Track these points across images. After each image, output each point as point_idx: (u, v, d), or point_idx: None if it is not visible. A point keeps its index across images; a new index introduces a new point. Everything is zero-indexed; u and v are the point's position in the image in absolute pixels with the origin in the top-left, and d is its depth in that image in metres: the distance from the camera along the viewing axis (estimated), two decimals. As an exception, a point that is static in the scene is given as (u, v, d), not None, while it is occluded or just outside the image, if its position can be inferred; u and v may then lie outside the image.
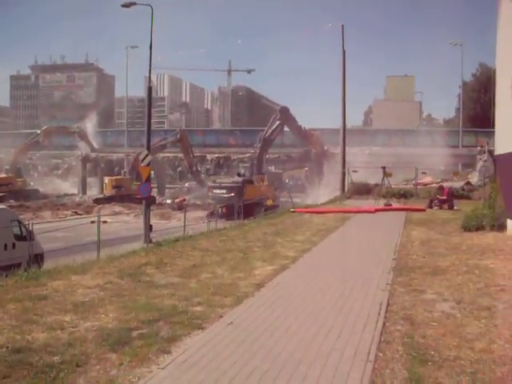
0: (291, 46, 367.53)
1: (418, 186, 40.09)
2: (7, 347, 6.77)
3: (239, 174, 54.65)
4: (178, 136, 69.30)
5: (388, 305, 9.06)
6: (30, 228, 20.36)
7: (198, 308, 8.82)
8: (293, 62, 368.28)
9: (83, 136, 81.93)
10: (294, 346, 6.99)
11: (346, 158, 44.20)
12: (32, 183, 76.27)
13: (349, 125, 54.11)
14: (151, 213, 29.35)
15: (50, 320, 8.03)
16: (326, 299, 9.53)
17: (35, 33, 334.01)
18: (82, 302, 9.17)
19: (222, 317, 8.37)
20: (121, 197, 59.77)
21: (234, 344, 7.06)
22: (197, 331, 7.63)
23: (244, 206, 35.03)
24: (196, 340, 7.25)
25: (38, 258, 20.32)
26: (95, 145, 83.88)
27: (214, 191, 49.26)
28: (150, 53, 28.33)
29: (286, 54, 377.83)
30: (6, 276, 11.98)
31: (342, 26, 45.18)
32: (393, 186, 34.25)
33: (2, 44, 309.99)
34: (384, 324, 7.95)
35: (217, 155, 79.66)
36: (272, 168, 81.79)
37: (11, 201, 58.76)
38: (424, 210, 27.26)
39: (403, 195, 35.53)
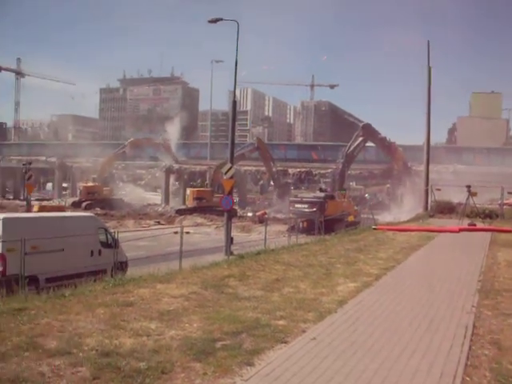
0: (375, 60, 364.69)
1: (504, 206, 38.93)
2: (97, 350, 6.99)
3: (321, 189, 54.45)
4: (256, 144, 69.78)
5: (474, 327, 8.82)
6: (116, 236, 20.89)
7: (281, 322, 8.85)
8: (376, 77, 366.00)
9: (167, 148, 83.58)
10: (377, 364, 6.92)
11: (430, 176, 43.47)
12: (119, 192, 78.20)
13: (432, 142, 53.08)
14: (232, 225, 29.66)
15: (136, 326, 8.22)
16: (410, 319, 9.39)
17: (124, 48, 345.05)
18: (167, 310, 9.34)
19: (304, 332, 8.36)
20: (202, 208, 60.44)
21: (317, 359, 7.04)
22: (280, 345, 7.66)
23: (325, 222, 34.90)
24: (279, 354, 7.27)
25: (123, 266, 20.80)
26: (178, 157, 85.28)
27: (296, 206, 49.22)
28: (236, 67, 28.79)
29: (369, 68, 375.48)
30: (95, 281, 12.35)
31: (428, 42, 44.46)
32: (477, 206, 33.36)
33: (94, 58, 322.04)
34: (470, 347, 7.75)
35: (298, 169, 79.67)
36: (353, 184, 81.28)
37: (97, 209, 60.55)
38: (510, 232, 26.41)
39: (488, 215, 34.54)
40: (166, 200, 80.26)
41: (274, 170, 71.26)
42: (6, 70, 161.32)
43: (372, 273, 14.13)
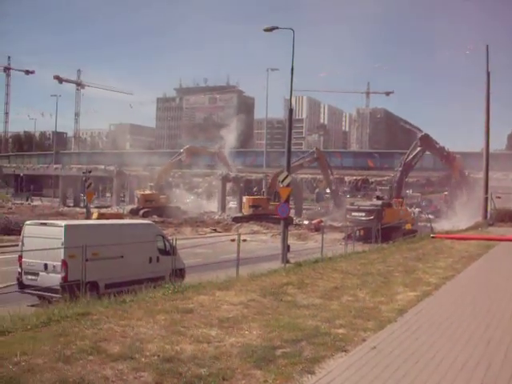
0: (431, 66, 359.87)
1: None
2: (158, 356, 7.06)
3: (378, 197, 53.92)
4: (315, 155, 69.53)
5: (540, 339, 8.61)
6: (174, 243, 21.09)
7: (341, 330, 8.79)
8: (433, 84, 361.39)
9: (222, 157, 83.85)
10: (440, 375, 6.79)
11: (489, 183, 42.57)
12: (180, 200, 78.96)
13: (491, 148, 51.92)
14: (288, 233, 29.65)
15: (196, 333, 8.29)
16: (472, 329, 9.21)
17: (181, 57, 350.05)
18: (227, 317, 9.38)
19: (365, 340, 8.29)
20: (258, 216, 60.40)
21: (377, 369, 6.96)
22: (340, 353, 7.61)
23: (382, 230, 34.54)
24: (340, 362, 7.23)
25: (180, 273, 20.94)
26: (233, 165, 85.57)
27: (353, 214, 48.80)
28: (292, 75, 28.89)
29: (426, 75, 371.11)
30: (154, 287, 12.52)
31: (487, 46, 43.61)
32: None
33: (151, 68, 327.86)
34: (537, 359, 7.56)
35: (355, 177, 79.00)
36: (410, 191, 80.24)
37: (154, 216, 61.14)
38: None
39: (551, 223, 33.71)
40: (223, 208, 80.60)
41: (331, 178, 70.86)
42: (67, 81, 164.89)
43: (431, 282, 13.94)
